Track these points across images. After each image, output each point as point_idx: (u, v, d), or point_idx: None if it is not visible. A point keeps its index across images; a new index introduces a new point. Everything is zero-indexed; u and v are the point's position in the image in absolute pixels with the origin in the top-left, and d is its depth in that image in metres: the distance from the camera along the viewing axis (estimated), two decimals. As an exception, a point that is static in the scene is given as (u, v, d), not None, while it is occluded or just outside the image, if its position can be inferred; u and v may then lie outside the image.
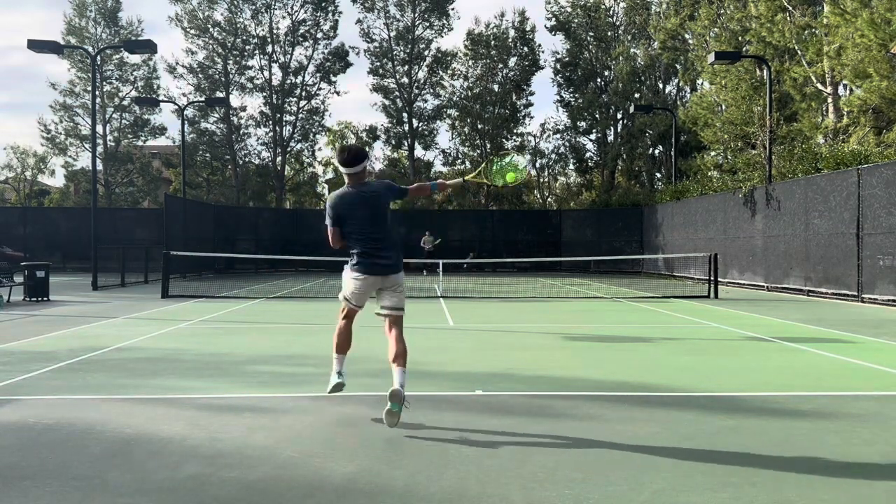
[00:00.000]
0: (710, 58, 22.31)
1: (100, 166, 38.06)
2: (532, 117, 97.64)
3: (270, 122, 42.66)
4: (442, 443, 4.82)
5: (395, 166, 44.80)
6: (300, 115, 43.02)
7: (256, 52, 42.10)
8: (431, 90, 43.14)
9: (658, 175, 42.48)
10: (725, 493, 3.84)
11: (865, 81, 21.72)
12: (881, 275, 15.19)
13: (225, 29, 41.29)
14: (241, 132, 43.07)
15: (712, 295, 17.76)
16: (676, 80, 40.91)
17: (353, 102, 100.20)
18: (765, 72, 23.11)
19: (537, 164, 47.02)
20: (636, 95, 41.56)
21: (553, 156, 46.15)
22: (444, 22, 42.20)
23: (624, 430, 5.12)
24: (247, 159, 43.60)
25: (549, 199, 49.26)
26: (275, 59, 42.28)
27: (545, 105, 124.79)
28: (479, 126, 42.61)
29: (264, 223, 35.16)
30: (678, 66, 39.09)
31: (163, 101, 36.56)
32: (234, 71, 41.96)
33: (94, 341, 9.73)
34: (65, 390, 6.55)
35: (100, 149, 38.50)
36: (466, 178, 6.25)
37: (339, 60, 42.82)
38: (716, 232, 23.70)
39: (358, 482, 4.02)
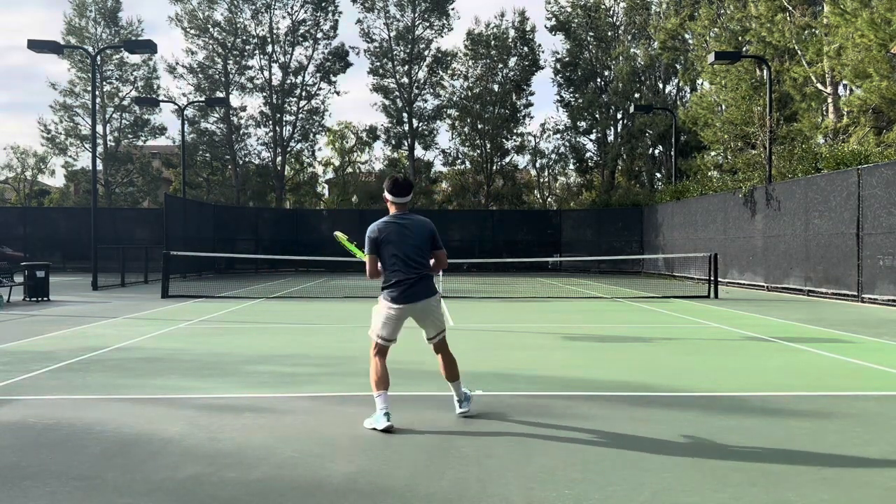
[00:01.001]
0: (710, 58, 22.31)
1: (100, 166, 38.06)
2: (532, 117, 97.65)
3: (270, 122, 42.67)
4: (442, 443, 4.82)
5: (395, 166, 44.80)
6: (300, 115, 43.05)
7: (256, 52, 42.12)
8: (431, 90, 43.18)
9: (658, 175, 42.49)
10: (725, 493, 3.84)
11: (865, 81, 21.72)
12: (881, 275, 15.19)
13: (225, 29, 41.29)
14: (241, 132, 43.09)
15: (712, 295, 17.76)
16: (676, 80, 40.92)
17: (353, 102, 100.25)
18: (765, 72, 23.12)
19: (537, 164, 47.08)
20: (636, 95, 41.56)
21: (553, 156, 46.22)
22: (444, 22, 42.23)
23: (624, 430, 5.12)
24: (247, 159, 43.63)
25: (549, 199, 49.26)
26: (275, 59, 42.30)
27: (545, 105, 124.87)
28: (479, 126, 42.61)
29: (264, 223, 35.16)
30: (678, 66, 39.09)
31: (163, 101, 36.57)
32: (234, 71, 41.97)
33: (94, 341, 9.73)
34: (65, 390, 6.55)
35: (100, 149, 38.50)
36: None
37: (339, 60, 42.83)
38: (716, 232, 23.70)
39: (358, 482, 4.02)
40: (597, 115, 42.58)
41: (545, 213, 39.63)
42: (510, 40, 42.94)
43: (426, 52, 42.47)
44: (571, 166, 46.06)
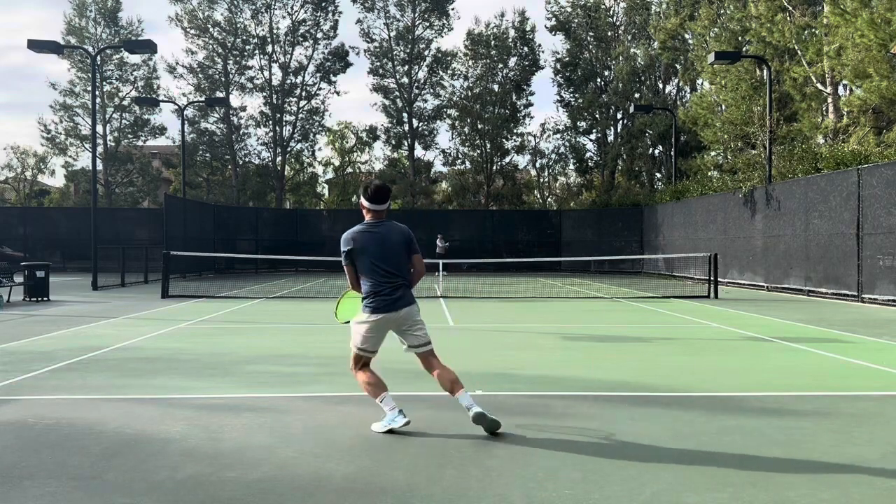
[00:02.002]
0: (710, 58, 22.31)
1: (100, 166, 38.06)
2: (532, 117, 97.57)
3: (270, 122, 42.67)
4: (442, 443, 4.82)
5: (395, 166, 44.79)
6: (300, 115, 43.04)
7: (256, 52, 42.11)
8: (431, 90, 43.17)
9: (658, 175, 42.47)
10: (725, 493, 3.84)
11: (865, 81, 21.72)
12: (881, 275, 15.19)
13: (225, 29, 41.29)
14: (241, 132, 43.09)
15: (712, 295, 17.76)
16: (676, 80, 40.90)
17: (353, 102, 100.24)
18: (765, 72, 23.12)
19: (537, 164, 47.07)
20: (636, 95, 41.55)
21: (553, 156, 46.20)
22: (444, 22, 42.22)
23: (624, 430, 5.12)
24: (247, 159, 43.62)
25: (549, 200, 49.25)
26: (275, 59, 42.29)
27: (545, 105, 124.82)
28: (479, 126, 42.60)
29: (264, 223, 35.16)
30: (678, 66, 39.07)
31: (163, 101, 36.57)
32: (234, 71, 41.96)
33: (93, 341, 9.73)
34: (65, 390, 6.55)
35: (100, 149, 38.51)
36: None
37: (339, 60, 42.82)
38: (716, 232, 23.69)
39: (358, 482, 4.02)
40: (597, 115, 42.57)
41: (545, 213, 39.63)
42: (510, 40, 42.93)
43: (426, 52, 42.48)
44: (571, 166, 46.06)
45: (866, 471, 4.23)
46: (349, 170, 47.38)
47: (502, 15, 61.16)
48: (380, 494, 3.82)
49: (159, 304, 15.81)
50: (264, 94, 42.44)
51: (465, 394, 5.09)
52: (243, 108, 43.18)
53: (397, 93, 42.57)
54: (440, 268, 20.05)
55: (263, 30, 41.85)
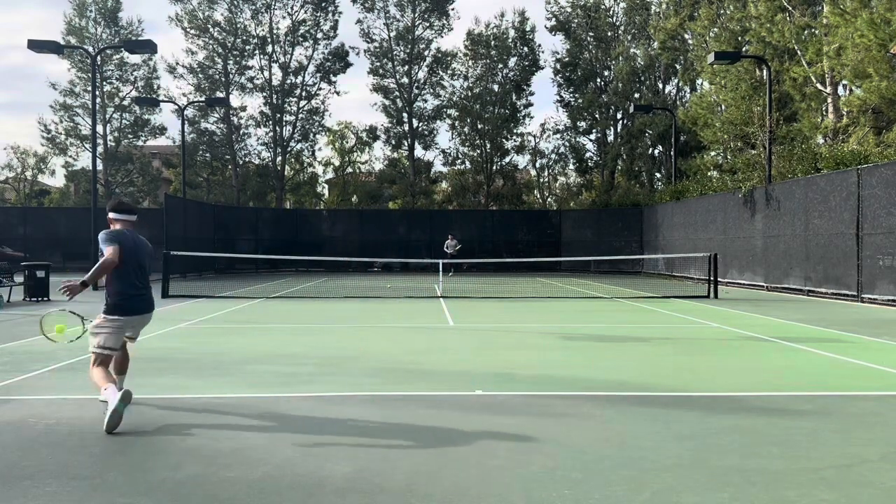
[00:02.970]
0: (710, 58, 22.31)
1: (100, 166, 38.04)
2: (532, 117, 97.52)
3: (270, 122, 42.67)
4: (442, 443, 4.82)
5: (395, 166, 44.78)
6: (300, 115, 43.03)
7: (256, 52, 42.10)
8: (431, 90, 43.16)
9: (658, 175, 42.48)
10: (725, 493, 3.84)
11: (865, 81, 21.72)
12: (881, 275, 15.19)
13: (225, 29, 41.29)
14: (241, 132, 43.09)
15: (712, 295, 17.76)
16: (676, 80, 40.91)
17: (353, 102, 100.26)
18: (765, 72, 23.12)
19: (537, 164, 47.08)
20: (636, 95, 41.56)
21: (553, 156, 46.21)
22: (444, 22, 42.23)
23: (624, 430, 5.12)
24: (247, 159, 43.62)
25: (549, 200, 49.26)
26: (275, 59, 42.29)
27: (545, 105, 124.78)
28: (479, 126, 42.60)
29: (264, 223, 35.16)
30: (678, 66, 39.09)
31: (163, 101, 36.56)
32: (234, 71, 41.96)
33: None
34: (65, 390, 6.56)
35: (100, 149, 38.51)
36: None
37: (339, 60, 42.82)
38: (715, 232, 23.70)
39: (358, 482, 4.02)
40: (597, 115, 42.58)
41: (545, 213, 39.62)
42: (510, 40, 42.94)
43: (426, 53, 42.48)
44: (571, 166, 46.08)
45: (866, 471, 4.24)
46: (349, 170, 47.37)
47: (502, 15, 61.17)
48: (380, 494, 3.82)
49: (159, 304, 15.71)
50: (264, 94, 42.45)
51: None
52: (243, 108, 43.20)
53: (397, 93, 42.57)
54: (440, 268, 20.01)
55: (263, 30, 41.86)
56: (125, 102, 41.98)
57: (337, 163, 47.69)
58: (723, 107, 30.64)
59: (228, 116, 42.08)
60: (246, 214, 35.76)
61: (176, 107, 34.65)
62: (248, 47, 41.82)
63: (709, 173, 31.71)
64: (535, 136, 48.47)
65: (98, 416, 5.49)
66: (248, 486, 3.96)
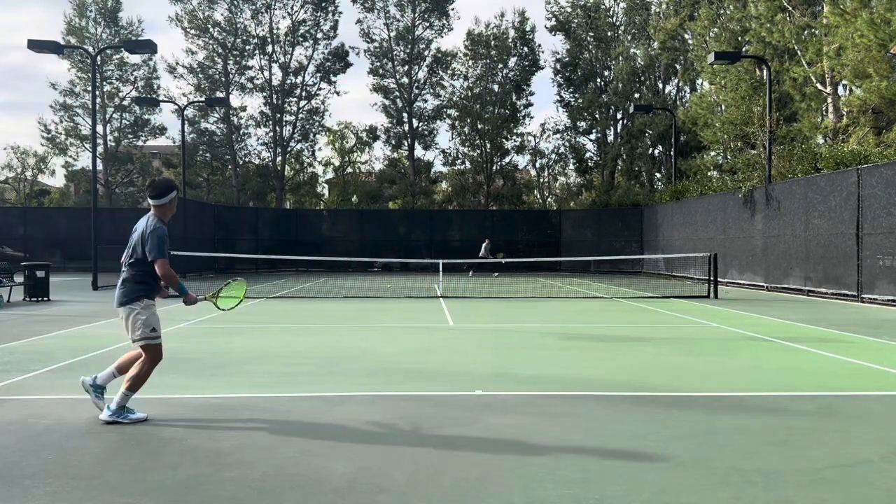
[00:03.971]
0: (710, 58, 22.30)
1: (100, 166, 38.07)
2: (532, 117, 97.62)
3: (270, 122, 42.68)
4: (442, 442, 4.82)
5: (395, 166, 44.79)
6: (300, 115, 43.06)
7: (256, 52, 42.12)
8: (431, 90, 43.19)
9: (658, 175, 42.49)
10: (725, 492, 3.84)
11: (865, 81, 21.72)
12: (881, 275, 15.18)
13: (225, 29, 41.30)
14: (241, 132, 43.10)
15: (712, 295, 17.75)
16: (676, 80, 40.93)
17: (353, 102, 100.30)
18: (765, 72, 23.12)
19: (537, 164, 47.07)
20: (636, 95, 41.56)
21: (553, 156, 46.24)
22: (444, 22, 42.26)
23: (624, 430, 5.12)
24: (247, 159, 43.64)
25: (549, 200, 49.26)
26: (275, 59, 42.31)
27: (545, 105, 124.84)
28: (479, 126, 42.61)
29: (264, 223, 35.16)
30: (678, 66, 39.09)
31: (163, 101, 36.58)
32: (234, 71, 41.97)
33: (94, 341, 9.73)
34: (65, 390, 6.55)
35: (100, 149, 38.51)
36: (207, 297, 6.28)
37: (339, 60, 42.84)
38: (715, 232, 23.69)
39: (358, 482, 4.02)
40: (597, 115, 42.59)
41: (545, 213, 39.64)
42: (510, 40, 42.95)
43: (426, 53, 42.51)
44: (571, 166, 46.10)
45: (866, 471, 4.23)
46: (349, 170, 47.38)
47: (502, 15, 61.25)
48: (380, 494, 3.82)
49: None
50: (264, 94, 42.46)
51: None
52: (243, 108, 43.24)
53: (397, 93, 42.58)
54: (440, 269, 19.92)
55: (263, 30, 41.89)
56: (125, 102, 42.01)
57: (337, 163, 47.72)
58: (723, 107, 30.64)
59: (228, 116, 42.09)
60: (246, 214, 35.76)
61: (176, 107, 34.65)
62: (248, 47, 41.84)
63: (709, 173, 31.73)
64: (535, 136, 48.58)
65: (98, 417, 5.48)
66: (248, 486, 3.96)
